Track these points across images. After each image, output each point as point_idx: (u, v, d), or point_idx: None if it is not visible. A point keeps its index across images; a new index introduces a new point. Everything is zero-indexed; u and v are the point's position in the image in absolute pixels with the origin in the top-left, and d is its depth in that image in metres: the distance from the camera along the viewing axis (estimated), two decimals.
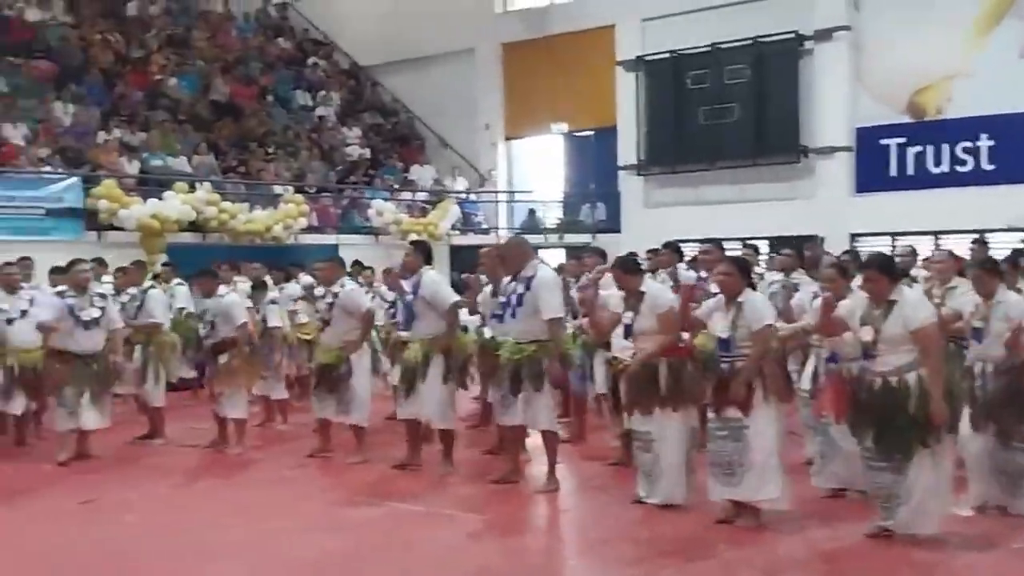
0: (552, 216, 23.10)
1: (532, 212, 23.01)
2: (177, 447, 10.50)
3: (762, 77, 20.01)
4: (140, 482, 8.98)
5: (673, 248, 10.22)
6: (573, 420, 10.32)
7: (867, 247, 16.86)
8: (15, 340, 9.80)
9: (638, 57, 21.45)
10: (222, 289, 10.36)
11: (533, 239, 16.35)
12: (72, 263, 9.81)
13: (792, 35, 19.67)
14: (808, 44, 19.68)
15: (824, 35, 19.43)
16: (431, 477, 8.84)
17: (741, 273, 7.16)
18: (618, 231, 21.29)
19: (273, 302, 11.73)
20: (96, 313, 9.53)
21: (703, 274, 9.49)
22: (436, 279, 8.97)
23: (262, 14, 26.54)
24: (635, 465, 7.87)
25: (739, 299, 7.04)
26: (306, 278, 12.48)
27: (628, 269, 7.81)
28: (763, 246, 16.64)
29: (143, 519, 7.75)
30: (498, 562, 6.71)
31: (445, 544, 7.05)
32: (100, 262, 12.35)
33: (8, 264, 10.25)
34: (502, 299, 8.34)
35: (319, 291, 10.02)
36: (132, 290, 11.11)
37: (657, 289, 7.86)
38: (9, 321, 9.72)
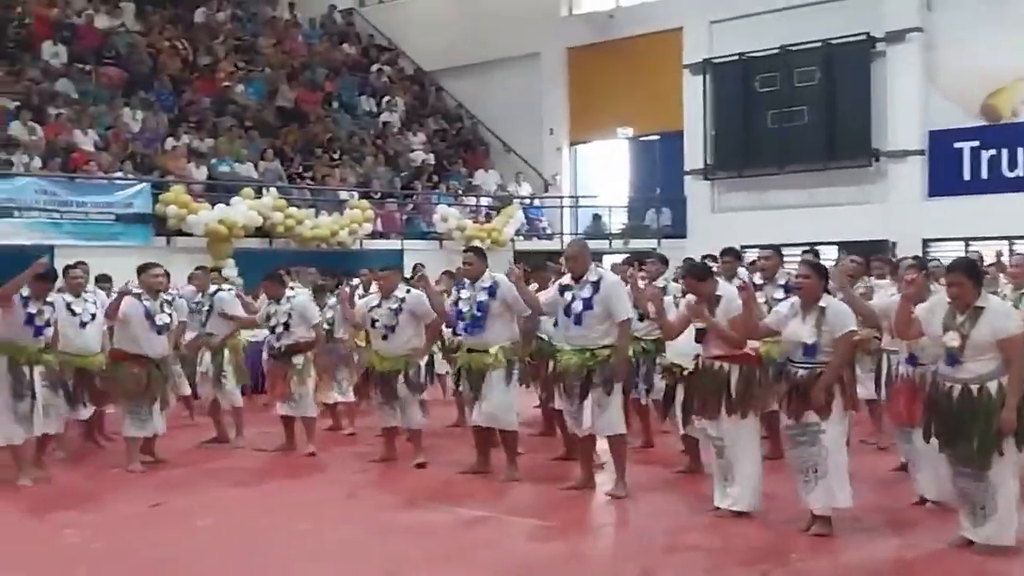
0: (617, 221, 22.92)
1: (597, 217, 22.86)
2: (249, 450, 10.50)
3: (832, 79, 19.72)
4: (208, 486, 8.98)
5: (734, 254, 10.03)
6: (640, 426, 10.18)
7: (940, 253, 16.53)
8: (83, 344, 9.72)
9: (705, 60, 21.24)
10: (289, 292, 10.40)
11: (597, 245, 16.28)
12: (145, 266, 9.78)
13: (863, 36, 19.35)
14: (880, 46, 19.36)
15: (896, 36, 19.10)
16: (498, 482, 8.76)
17: (820, 277, 7.02)
18: (684, 236, 21.09)
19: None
20: (167, 319, 9.52)
21: (759, 280, 9.35)
22: (512, 286, 8.78)
23: (328, 20, 26.69)
24: (708, 472, 7.77)
25: (820, 304, 6.91)
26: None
27: (700, 275, 7.63)
28: (832, 251, 16.38)
29: (214, 523, 7.72)
30: (566, 570, 6.60)
31: (512, 550, 6.95)
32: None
33: (72, 267, 10.26)
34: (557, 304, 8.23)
35: (372, 299, 9.84)
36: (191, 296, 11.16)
37: (734, 293, 7.62)
38: (83, 324, 9.67)
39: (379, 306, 9.47)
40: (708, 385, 7.47)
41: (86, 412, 10.10)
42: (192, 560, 6.75)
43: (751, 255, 12.72)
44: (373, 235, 19.13)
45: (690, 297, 7.69)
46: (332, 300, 11.63)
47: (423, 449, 9.54)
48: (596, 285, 8.05)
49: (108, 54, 20.59)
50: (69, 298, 9.66)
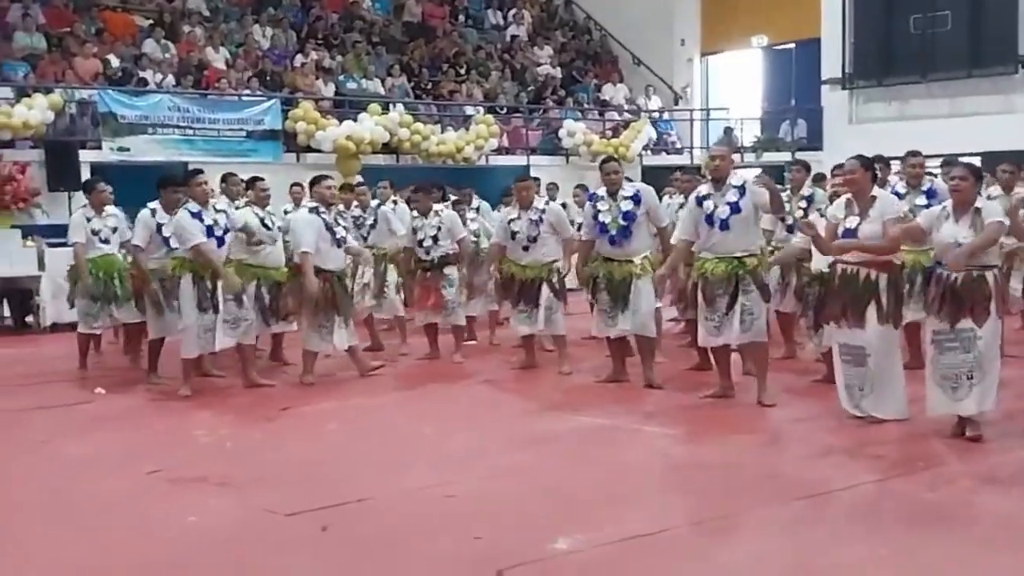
0: (749, 134, 22.33)
1: (728, 130, 22.27)
2: (411, 359, 10.68)
3: None
4: (346, 392, 9.11)
5: (804, 166, 10.22)
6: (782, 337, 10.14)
7: None
8: (272, 260, 9.67)
9: None
10: (438, 206, 10.55)
11: None
12: (318, 178, 9.76)
13: None
14: None
15: None
16: (636, 392, 8.79)
17: (976, 180, 6.86)
18: (820, 148, 20.37)
19: (475, 220, 11.77)
20: (342, 232, 9.53)
21: (902, 189, 9.17)
22: (653, 194, 8.92)
23: None
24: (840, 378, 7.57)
25: (976, 206, 6.75)
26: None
27: (870, 167, 7.40)
28: (975, 163, 15.68)
29: (341, 427, 7.90)
30: (705, 474, 6.49)
31: (651, 457, 6.93)
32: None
33: (260, 179, 10.16)
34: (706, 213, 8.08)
35: (511, 211, 9.85)
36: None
37: (891, 196, 7.61)
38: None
39: (518, 218, 9.59)
40: (854, 292, 7.28)
41: (276, 327, 10.04)
42: (314, 459, 6.87)
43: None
44: (499, 151, 19.04)
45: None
46: (472, 214, 11.71)
47: (568, 356, 9.64)
48: (741, 189, 7.94)
49: None
50: (260, 212, 9.72)
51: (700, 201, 8.08)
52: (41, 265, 13.08)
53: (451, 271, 10.39)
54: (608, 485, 6.19)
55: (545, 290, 9.48)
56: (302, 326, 9.52)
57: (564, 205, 11.93)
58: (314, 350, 9.45)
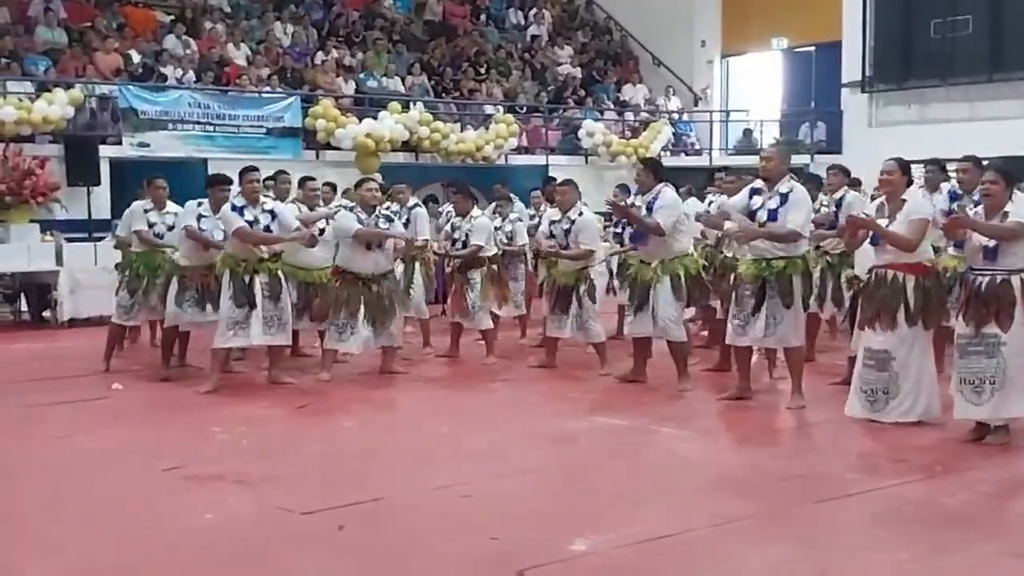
0: (768, 136, 22.26)
1: (747, 132, 22.26)
2: (433, 360, 10.68)
3: None
4: (366, 391, 9.12)
5: (843, 170, 10.04)
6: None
7: None
8: (311, 259, 9.64)
9: None
10: (476, 210, 10.60)
11: (748, 160, 15.91)
12: (361, 181, 9.76)
13: None
14: None
15: None
16: (653, 393, 8.78)
17: (1008, 184, 6.81)
18: (839, 152, 20.27)
19: (519, 220, 11.77)
20: None
21: (959, 191, 9.03)
22: (675, 196, 8.84)
23: None
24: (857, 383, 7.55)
25: (1005, 210, 6.72)
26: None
27: (907, 170, 7.42)
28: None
29: (358, 424, 7.91)
30: (737, 474, 6.48)
31: (669, 458, 6.92)
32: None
33: (310, 180, 10.22)
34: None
35: (555, 213, 9.84)
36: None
37: (921, 199, 7.57)
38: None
39: (559, 221, 9.63)
40: (884, 295, 7.29)
41: (307, 325, 9.99)
42: (331, 457, 6.88)
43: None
44: (518, 150, 19.04)
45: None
46: (513, 215, 11.71)
47: (609, 360, 9.62)
48: (785, 197, 7.89)
49: None
50: (306, 211, 9.73)
51: (751, 194, 8.11)
52: (59, 260, 13.12)
53: (474, 275, 10.40)
54: (625, 486, 6.19)
55: (574, 300, 9.48)
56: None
57: None
58: (331, 349, 9.46)
